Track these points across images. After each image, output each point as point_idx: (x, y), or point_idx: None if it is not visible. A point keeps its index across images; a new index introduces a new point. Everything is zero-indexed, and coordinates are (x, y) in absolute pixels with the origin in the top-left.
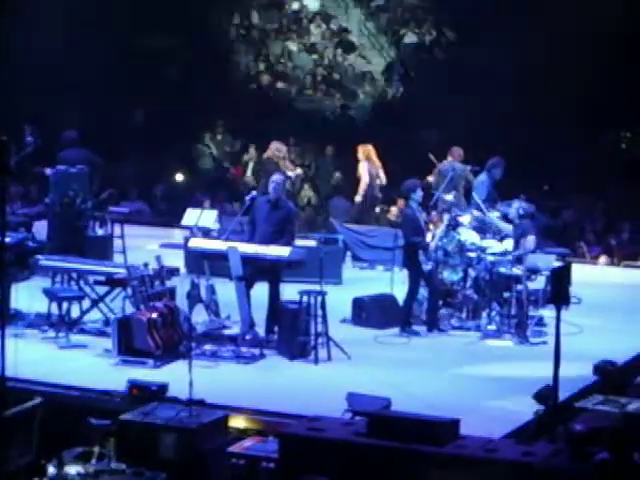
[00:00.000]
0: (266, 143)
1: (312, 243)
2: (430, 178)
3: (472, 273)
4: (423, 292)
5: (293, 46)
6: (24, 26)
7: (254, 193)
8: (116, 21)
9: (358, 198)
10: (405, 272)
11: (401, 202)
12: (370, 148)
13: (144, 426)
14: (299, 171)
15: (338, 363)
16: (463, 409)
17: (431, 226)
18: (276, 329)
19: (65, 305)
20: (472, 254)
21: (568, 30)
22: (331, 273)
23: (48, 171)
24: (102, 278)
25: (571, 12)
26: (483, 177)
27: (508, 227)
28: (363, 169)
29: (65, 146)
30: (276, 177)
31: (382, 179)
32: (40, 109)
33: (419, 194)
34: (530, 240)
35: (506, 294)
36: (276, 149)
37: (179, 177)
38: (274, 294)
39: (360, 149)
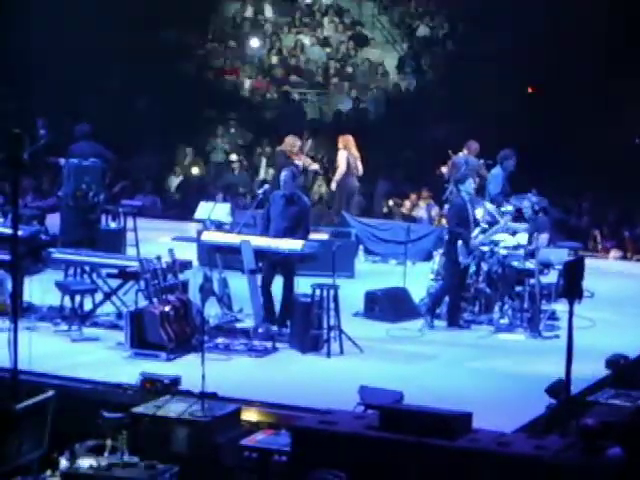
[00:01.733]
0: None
1: (325, 236)
2: (444, 169)
3: (484, 267)
4: (435, 285)
5: (306, 39)
6: (38, 22)
7: (267, 186)
8: (132, 15)
9: (333, 185)
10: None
11: (413, 196)
12: (350, 138)
13: (157, 419)
14: (316, 166)
15: (350, 356)
16: (475, 403)
17: (443, 220)
18: (289, 322)
19: (78, 298)
20: (485, 248)
21: (582, 24)
22: (343, 266)
23: (62, 161)
24: (115, 271)
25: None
26: (497, 170)
27: (521, 226)
28: (342, 158)
29: (77, 139)
30: (284, 173)
31: (359, 170)
32: (57, 103)
33: (468, 186)
34: (542, 238)
35: (519, 288)
36: (290, 143)
37: (195, 170)
38: (287, 288)
39: (340, 139)
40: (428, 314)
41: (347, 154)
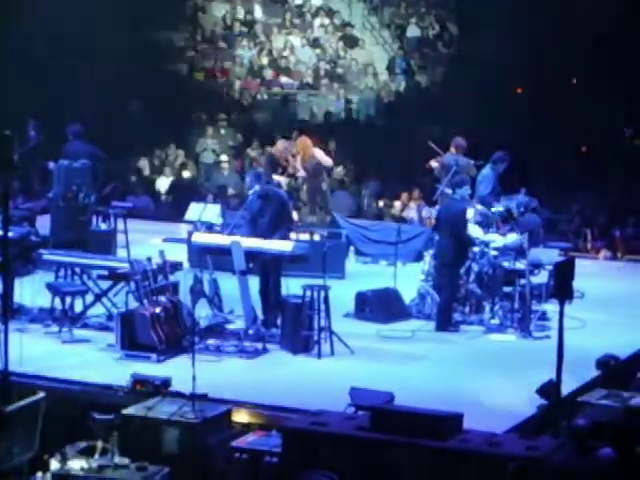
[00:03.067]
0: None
1: (315, 237)
2: (434, 163)
3: (475, 267)
4: (425, 286)
5: (296, 40)
6: (34, 22)
7: (257, 187)
8: (122, 16)
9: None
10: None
11: (405, 197)
12: (307, 141)
13: (147, 421)
14: (303, 173)
15: (341, 357)
16: (466, 403)
17: (433, 221)
18: (279, 323)
19: (68, 300)
20: (475, 248)
21: (568, 27)
22: (334, 267)
23: (51, 165)
24: (105, 273)
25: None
26: (487, 171)
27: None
28: (298, 163)
29: (70, 139)
30: (249, 175)
31: (327, 163)
32: (48, 103)
33: (465, 191)
34: (512, 236)
35: (509, 288)
36: (281, 149)
37: (186, 174)
38: (275, 287)
39: (298, 142)
40: (446, 325)
41: (302, 158)
